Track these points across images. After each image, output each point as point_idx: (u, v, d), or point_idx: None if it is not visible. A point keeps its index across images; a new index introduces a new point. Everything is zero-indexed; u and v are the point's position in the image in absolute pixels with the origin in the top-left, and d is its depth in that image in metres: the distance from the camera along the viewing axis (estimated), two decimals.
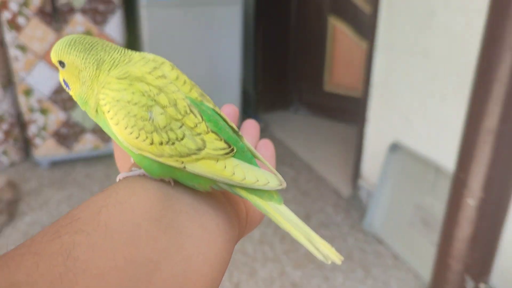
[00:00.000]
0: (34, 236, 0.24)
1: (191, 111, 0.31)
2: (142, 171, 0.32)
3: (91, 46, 0.33)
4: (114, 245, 0.24)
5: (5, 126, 2.23)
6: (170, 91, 0.31)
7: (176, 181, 0.32)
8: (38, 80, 2.10)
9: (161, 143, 0.30)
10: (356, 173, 2.10)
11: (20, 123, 2.31)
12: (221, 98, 2.47)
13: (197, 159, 0.30)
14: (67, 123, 2.24)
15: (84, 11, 2.04)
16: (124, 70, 0.32)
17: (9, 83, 2.21)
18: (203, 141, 0.30)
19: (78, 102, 0.34)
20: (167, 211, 0.28)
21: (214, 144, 0.31)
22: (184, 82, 0.32)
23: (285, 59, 2.97)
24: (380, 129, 1.91)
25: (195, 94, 0.32)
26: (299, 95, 3.03)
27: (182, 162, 0.30)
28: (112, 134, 0.32)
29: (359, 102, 2.03)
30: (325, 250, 0.30)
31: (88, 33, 2.07)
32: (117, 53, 0.33)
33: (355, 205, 2.08)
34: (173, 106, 0.30)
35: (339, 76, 2.84)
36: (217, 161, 0.31)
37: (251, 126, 0.43)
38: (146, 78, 0.31)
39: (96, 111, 0.32)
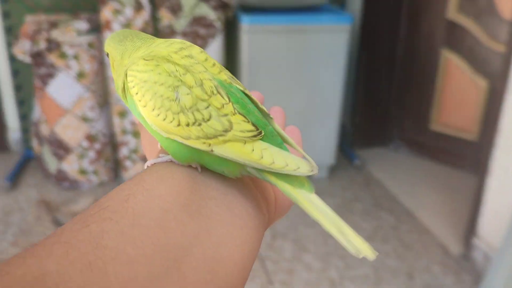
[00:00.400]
0: (64, 226, 0.24)
1: (218, 91, 0.31)
2: (169, 157, 0.32)
3: (124, 37, 0.35)
4: (142, 231, 0.24)
5: (97, 146, 2.21)
6: (197, 71, 0.31)
7: (204, 167, 0.32)
8: None
9: (187, 124, 0.30)
10: (470, 230, 1.82)
11: (112, 144, 2.29)
12: (317, 129, 2.30)
13: (224, 141, 0.30)
14: None
15: (184, 34, 1.98)
16: (149, 51, 0.32)
17: (106, 103, 2.20)
18: (230, 122, 0.30)
19: (117, 91, 0.34)
20: (196, 197, 0.28)
21: (241, 126, 0.30)
22: (214, 65, 0.32)
23: (388, 92, 2.74)
24: (506, 184, 1.64)
25: (224, 76, 0.32)
26: (401, 132, 2.78)
27: (210, 145, 0.30)
28: (140, 117, 0.32)
29: (474, 147, 1.76)
30: (357, 244, 0.29)
31: None
32: (140, 41, 0.34)
33: (467, 267, 1.80)
34: (200, 86, 0.30)
35: (448, 115, 2.56)
36: (245, 143, 0.30)
37: (277, 111, 0.42)
38: (172, 57, 0.31)
39: (124, 92, 0.33)
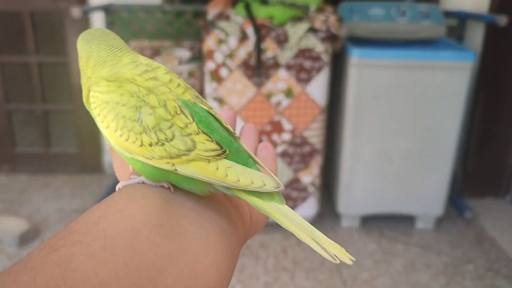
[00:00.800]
0: (32, 251, 0.24)
1: (181, 111, 0.31)
2: (141, 178, 0.32)
3: (92, 38, 0.35)
4: (114, 253, 0.24)
5: None
6: (160, 92, 0.31)
7: (175, 186, 0.32)
8: None
9: (150, 144, 0.30)
10: None
11: None
12: (426, 174, 2.06)
13: (188, 161, 0.30)
14: None
15: (288, 67, 1.85)
16: (114, 71, 0.32)
17: None
18: (193, 141, 0.30)
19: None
20: (169, 216, 0.28)
21: (205, 145, 0.31)
22: (178, 85, 0.33)
23: (506, 137, 2.43)
24: None
25: (188, 96, 0.33)
26: None
27: (173, 164, 0.30)
28: (104, 135, 0.32)
29: None
30: (333, 250, 0.29)
31: (288, 90, 1.87)
32: (106, 51, 0.34)
33: None
34: (163, 107, 0.30)
35: None
36: (209, 162, 0.30)
37: (249, 129, 0.42)
38: (136, 79, 0.31)
39: (87, 102, 0.33)
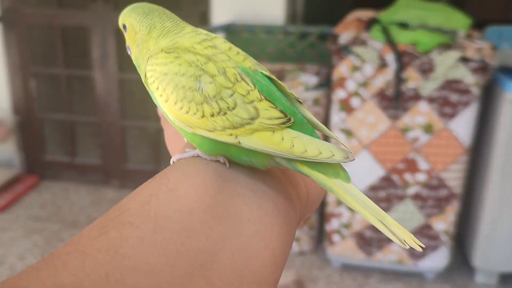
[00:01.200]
0: (82, 232, 0.23)
1: (242, 78, 0.30)
2: (196, 151, 0.31)
3: (150, 11, 0.34)
4: (165, 237, 0.23)
5: None
6: (220, 60, 0.30)
7: (232, 161, 0.30)
8: (355, 171, 1.76)
9: (212, 115, 0.29)
10: None
11: (321, 212, 2.02)
12: None
13: (252, 131, 0.29)
14: (374, 226, 1.84)
15: (431, 100, 1.63)
16: (173, 41, 0.32)
17: None
18: (256, 109, 0.29)
19: (136, 66, 0.34)
20: (223, 195, 0.27)
21: (269, 112, 0.29)
22: (238, 53, 0.32)
23: None
24: None
25: (248, 63, 0.32)
26: None
27: (236, 136, 0.29)
28: (162, 111, 0.31)
29: None
30: (402, 234, 0.28)
31: (428, 126, 1.65)
32: (170, 22, 0.34)
33: None
34: (223, 75, 0.30)
35: None
36: (274, 132, 0.29)
37: None
38: (195, 48, 0.31)
39: (145, 77, 0.32)
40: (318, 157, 0.29)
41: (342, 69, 1.67)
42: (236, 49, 0.32)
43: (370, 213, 0.29)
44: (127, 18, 0.35)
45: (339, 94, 1.70)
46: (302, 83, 1.79)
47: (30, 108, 2.56)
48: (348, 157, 0.29)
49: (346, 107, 1.70)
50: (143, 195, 0.25)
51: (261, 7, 2.20)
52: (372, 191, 1.78)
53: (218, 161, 0.30)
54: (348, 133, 1.73)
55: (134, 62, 0.35)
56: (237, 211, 0.26)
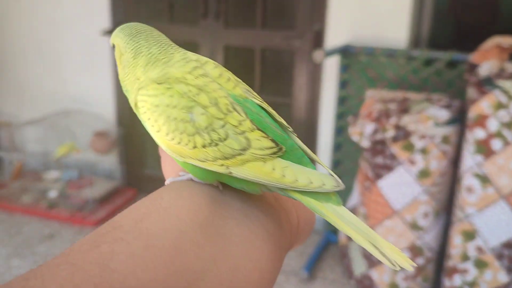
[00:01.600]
0: (73, 245, 0.23)
1: (234, 108, 0.30)
2: (190, 175, 0.31)
3: (137, 32, 0.34)
4: (155, 254, 0.23)
5: (420, 261, 1.73)
6: (211, 90, 0.31)
7: (225, 184, 0.31)
8: (489, 223, 1.51)
9: (204, 146, 0.29)
10: None
11: (438, 263, 1.78)
12: None
13: (243, 162, 0.29)
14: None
15: None
16: (163, 72, 0.32)
17: (443, 211, 1.71)
18: (248, 139, 0.30)
19: (122, 86, 0.34)
20: (215, 217, 0.28)
21: (260, 142, 0.30)
22: (228, 79, 0.32)
23: None
24: None
25: (239, 91, 0.32)
26: None
27: (228, 167, 0.29)
28: (155, 140, 0.32)
29: None
30: (393, 255, 0.27)
31: None
32: (157, 47, 0.33)
33: None
34: (215, 105, 0.30)
35: None
36: (265, 162, 0.29)
37: None
38: (186, 78, 0.31)
39: (136, 107, 0.32)
40: (309, 187, 0.29)
41: (483, 105, 1.43)
42: (226, 74, 0.32)
43: (361, 236, 0.28)
44: (115, 37, 0.35)
45: (476, 133, 1.46)
46: (431, 117, 1.57)
47: (133, 122, 2.56)
48: (338, 186, 0.29)
49: (484, 149, 1.46)
50: (136, 213, 0.26)
51: (382, 29, 2.01)
52: (508, 249, 1.52)
53: (211, 184, 0.31)
54: (484, 179, 1.48)
55: (121, 82, 0.35)
56: (228, 233, 0.27)
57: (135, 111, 0.33)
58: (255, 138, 0.30)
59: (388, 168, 1.64)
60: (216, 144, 0.29)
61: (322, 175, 0.30)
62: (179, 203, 0.27)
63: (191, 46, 2.40)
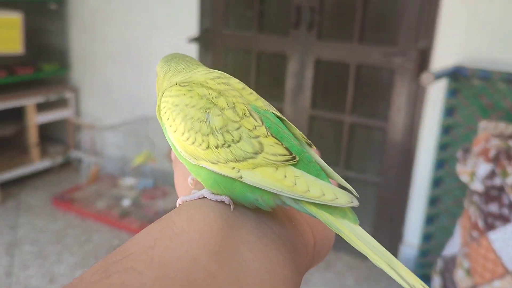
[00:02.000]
0: (83, 274, 0.23)
1: (250, 114, 0.31)
2: (202, 192, 0.31)
3: (172, 58, 0.37)
4: (167, 285, 0.22)
5: None
6: (231, 95, 0.31)
7: (237, 202, 0.31)
8: None
9: (216, 146, 0.30)
10: None
11: None
12: None
13: (254, 165, 0.29)
14: None
15: None
16: (187, 76, 0.34)
17: None
18: (261, 144, 0.30)
19: (156, 111, 0.35)
20: (227, 242, 0.27)
21: (274, 148, 0.30)
22: (251, 93, 0.33)
23: None
24: None
25: (260, 103, 0.33)
26: None
27: (239, 170, 0.29)
28: (171, 143, 0.32)
29: None
30: (409, 279, 0.27)
31: None
32: (184, 64, 0.36)
33: None
34: (232, 109, 0.30)
35: None
36: (277, 169, 0.29)
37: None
38: (208, 82, 0.32)
39: (158, 111, 0.33)
40: (321, 199, 0.29)
41: None
42: (249, 89, 0.33)
43: (378, 256, 0.28)
44: (157, 66, 0.38)
45: None
46: None
47: None
48: (352, 202, 0.29)
49: None
50: (147, 239, 0.25)
51: (502, 49, 1.71)
52: None
53: (223, 202, 0.30)
54: None
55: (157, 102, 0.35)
56: (241, 259, 0.26)
57: (158, 118, 0.34)
58: (269, 143, 0.30)
59: (505, 220, 1.35)
60: (229, 145, 0.29)
61: (336, 189, 0.29)
62: (191, 228, 0.27)
63: (279, 57, 2.23)
